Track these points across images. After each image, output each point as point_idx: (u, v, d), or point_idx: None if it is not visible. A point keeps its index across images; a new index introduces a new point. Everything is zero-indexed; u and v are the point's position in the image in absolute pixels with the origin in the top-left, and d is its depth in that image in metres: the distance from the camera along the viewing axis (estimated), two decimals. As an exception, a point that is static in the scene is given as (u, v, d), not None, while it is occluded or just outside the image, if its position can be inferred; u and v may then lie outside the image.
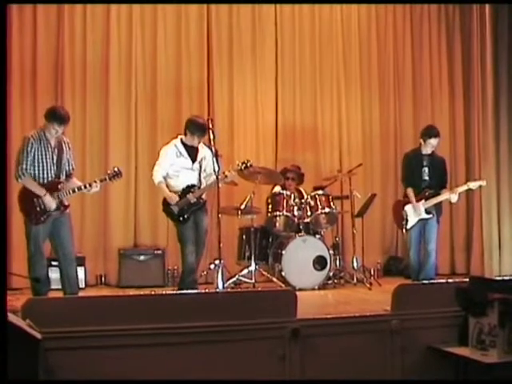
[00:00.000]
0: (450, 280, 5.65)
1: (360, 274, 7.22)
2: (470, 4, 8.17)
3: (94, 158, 7.48)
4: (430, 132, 6.76)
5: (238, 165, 6.25)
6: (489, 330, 4.01)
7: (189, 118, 6.43)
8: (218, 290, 5.89)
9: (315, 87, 8.32)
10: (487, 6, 7.67)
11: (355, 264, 7.28)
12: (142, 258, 7.35)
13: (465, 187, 6.90)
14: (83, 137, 7.51)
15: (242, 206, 6.81)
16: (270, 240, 7.23)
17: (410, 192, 6.72)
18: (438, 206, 6.74)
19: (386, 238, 8.43)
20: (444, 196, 6.70)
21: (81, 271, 6.68)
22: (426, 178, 6.73)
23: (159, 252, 7.43)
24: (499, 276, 7.09)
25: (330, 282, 6.99)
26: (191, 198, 6.13)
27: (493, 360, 3.93)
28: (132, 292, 6.23)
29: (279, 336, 3.92)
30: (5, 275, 3.99)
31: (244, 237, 7.14)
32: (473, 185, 6.94)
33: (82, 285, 6.65)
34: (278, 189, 7.30)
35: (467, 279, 4.39)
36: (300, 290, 6.18)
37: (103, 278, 7.50)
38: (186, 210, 6.14)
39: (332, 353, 4.04)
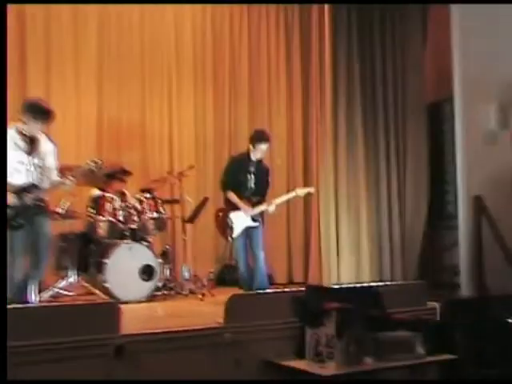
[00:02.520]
0: (286, 289, 5.56)
1: (191, 284, 6.91)
2: (310, 4, 8.16)
3: None
4: (261, 137, 6.39)
5: (88, 163, 5.46)
6: (326, 340, 3.93)
7: (26, 100, 5.50)
8: (30, 304, 5.19)
9: (144, 84, 7.90)
10: (326, 6, 7.72)
11: (186, 273, 6.97)
12: None
13: (293, 194, 6.67)
14: None
15: (59, 210, 6.22)
16: (92, 248, 6.67)
17: (233, 195, 6.33)
18: (262, 215, 6.44)
19: (220, 246, 8.06)
20: (270, 205, 6.34)
21: None
22: (252, 185, 6.38)
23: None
24: (337, 284, 7.05)
25: (159, 293, 6.61)
26: (28, 200, 5.24)
27: (330, 372, 3.84)
28: None
29: (102, 354, 3.66)
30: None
31: (61, 244, 6.57)
32: (301, 192, 6.72)
33: None
34: (96, 191, 6.75)
35: (304, 288, 4.33)
36: (126, 302, 5.73)
37: None
38: (20, 215, 5.22)
39: (162, 370, 3.85)
